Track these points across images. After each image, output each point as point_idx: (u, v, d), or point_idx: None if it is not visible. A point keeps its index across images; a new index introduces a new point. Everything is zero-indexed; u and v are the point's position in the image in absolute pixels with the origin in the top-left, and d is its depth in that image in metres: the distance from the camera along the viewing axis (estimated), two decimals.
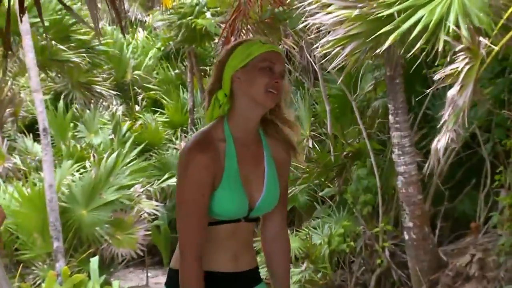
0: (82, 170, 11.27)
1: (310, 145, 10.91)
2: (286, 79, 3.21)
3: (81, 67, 12.44)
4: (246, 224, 3.18)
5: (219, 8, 11.42)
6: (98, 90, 13.14)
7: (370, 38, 7.07)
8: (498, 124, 9.26)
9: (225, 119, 3.17)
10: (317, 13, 7.87)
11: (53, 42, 11.85)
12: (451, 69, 6.61)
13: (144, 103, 14.92)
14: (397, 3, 6.88)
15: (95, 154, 11.49)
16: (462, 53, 6.51)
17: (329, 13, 7.48)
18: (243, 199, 3.11)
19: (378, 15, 6.91)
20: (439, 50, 6.76)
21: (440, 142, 7.17)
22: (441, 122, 6.96)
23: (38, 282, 10.15)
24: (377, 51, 7.16)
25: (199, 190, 3.04)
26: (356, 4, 7.28)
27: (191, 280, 3.02)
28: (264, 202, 3.18)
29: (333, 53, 7.76)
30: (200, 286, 3.02)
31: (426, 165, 7.40)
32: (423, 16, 6.64)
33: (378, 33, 6.88)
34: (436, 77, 6.77)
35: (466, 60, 6.45)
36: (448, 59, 7.04)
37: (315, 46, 8.34)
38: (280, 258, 3.36)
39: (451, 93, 6.92)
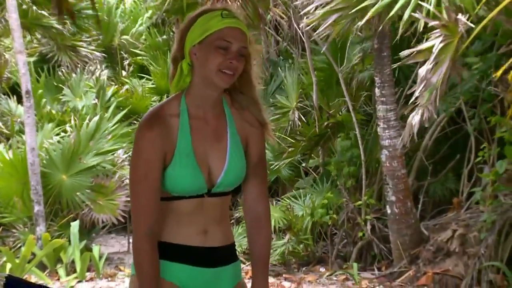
0: (63, 134, 11.13)
1: (297, 117, 10.84)
2: (253, 52, 3.13)
3: (64, 34, 12.32)
4: (212, 199, 3.11)
5: None
6: (84, 53, 12.97)
7: (355, 9, 7.05)
8: (484, 100, 9.21)
9: (183, 93, 3.12)
10: None
11: (35, 7, 11.76)
12: (426, 47, 6.66)
13: (131, 68, 14.77)
14: None
15: (76, 118, 11.33)
16: (437, 30, 6.56)
17: None
18: (198, 175, 3.05)
19: None
20: (419, 28, 6.78)
21: (414, 118, 7.20)
22: (412, 98, 7.03)
23: (18, 245, 10.06)
24: (361, 22, 7.15)
25: (148, 168, 3.02)
26: None
27: (142, 255, 3.01)
28: (226, 178, 3.11)
29: (319, 23, 7.76)
30: (151, 261, 3.01)
31: (403, 138, 7.45)
32: None
33: (362, 5, 6.86)
34: (405, 52, 6.82)
35: (441, 38, 6.49)
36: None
37: (302, 14, 8.32)
38: (257, 231, 3.28)
39: (422, 70, 6.95)
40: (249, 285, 3.29)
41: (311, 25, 8.13)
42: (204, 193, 3.09)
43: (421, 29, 6.89)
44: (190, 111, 3.10)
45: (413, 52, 6.85)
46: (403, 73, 10.17)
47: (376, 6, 6.84)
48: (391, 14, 6.82)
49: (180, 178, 3.04)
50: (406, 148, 9.29)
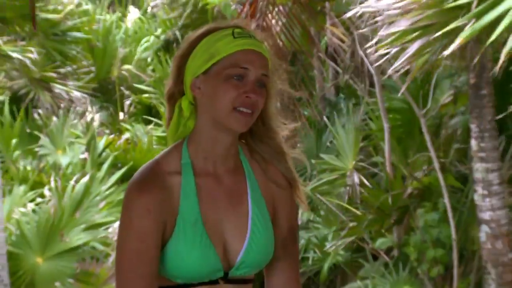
0: (39, 200, 11.19)
1: (356, 181, 10.86)
2: (275, 81, 3.13)
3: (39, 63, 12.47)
4: (231, 286, 3.10)
5: None
6: (58, 91, 13.07)
7: (444, 30, 7.04)
8: None
9: (185, 142, 3.12)
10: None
11: None
12: None
13: (133, 109, 14.91)
14: None
15: (57, 179, 11.39)
16: None
17: None
18: (209, 252, 3.02)
19: (457, 2, 6.94)
20: None
21: None
22: None
23: None
24: (451, 48, 7.10)
25: (141, 245, 2.98)
26: None
27: None
28: (249, 256, 3.08)
29: (394, 51, 7.74)
30: None
31: None
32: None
33: (454, 24, 6.83)
34: None
35: None
36: None
37: (370, 40, 8.33)
38: None
39: None
40: None
41: (382, 54, 8.13)
42: (219, 277, 3.06)
43: None
44: (196, 165, 3.09)
45: None
46: (510, 118, 10.13)
47: (474, 26, 6.80)
48: (493, 37, 6.77)
49: (186, 256, 3.01)
50: None
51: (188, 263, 3.01)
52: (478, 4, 6.83)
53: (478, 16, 6.81)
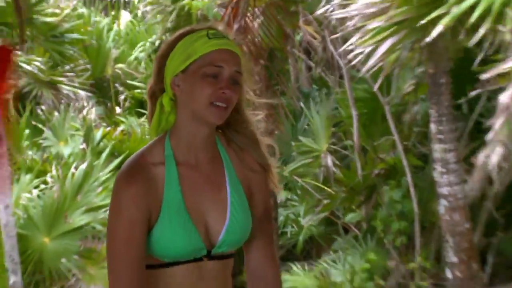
0: (43, 187, 11.24)
1: (329, 163, 10.94)
2: (247, 76, 3.15)
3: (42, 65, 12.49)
4: (213, 264, 3.13)
5: None
6: (66, 92, 13.14)
7: (416, 25, 7.12)
8: None
9: (167, 135, 3.14)
10: None
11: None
12: (505, 68, 6.65)
13: (127, 104, 14.91)
14: None
15: (59, 167, 11.44)
16: None
17: None
18: (193, 234, 3.05)
19: None
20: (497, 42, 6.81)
21: (492, 159, 7.21)
22: (490, 133, 7.01)
23: None
24: (433, 34, 7.10)
25: (130, 231, 3.02)
26: None
27: None
28: (230, 234, 3.11)
29: (367, 50, 7.82)
30: None
31: (470, 184, 7.41)
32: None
33: (429, 17, 6.93)
34: (484, 76, 6.81)
35: None
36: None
37: (341, 37, 8.32)
38: None
39: (504, 98, 6.93)
40: None
41: (355, 54, 8.13)
42: (203, 255, 3.10)
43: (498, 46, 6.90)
44: (177, 156, 3.10)
45: (493, 76, 6.87)
46: (466, 104, 10.21)
47: (447, 17, 6.84)
48: (469, 23, 6.85)
49: (171, 239, 3.04)
50: (470, 197, 9.32)
51: (173, 245, 3.03)
52: None
53: (456, 4, 6.85)
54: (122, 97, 14.84)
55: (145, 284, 3.04)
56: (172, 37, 3.17)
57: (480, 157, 7.24)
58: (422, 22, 7.15)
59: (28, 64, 12.29)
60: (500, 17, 6.88)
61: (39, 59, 12.41)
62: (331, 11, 8.26)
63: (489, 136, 7.18)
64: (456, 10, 6.88)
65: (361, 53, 7.81)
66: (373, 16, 7.52)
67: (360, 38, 7.66)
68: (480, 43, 7.29)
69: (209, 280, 3.13)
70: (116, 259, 3.02)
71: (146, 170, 3.06)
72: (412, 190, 10.14)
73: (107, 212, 10.05)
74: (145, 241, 3.02)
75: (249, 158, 3.23)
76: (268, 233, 3.29)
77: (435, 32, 7.03)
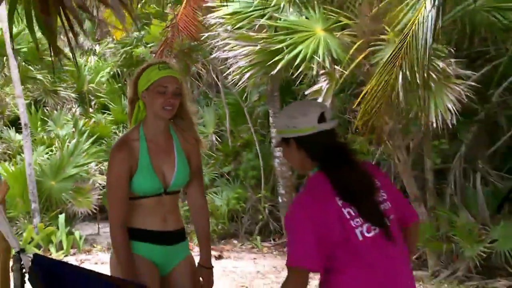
0: (51, 153, 10.94)
1: (214, 139, 10.80)
2: (186, 90, 3.08)
3: (47, 81, 12.13)
4: (169, 196, 3.07)
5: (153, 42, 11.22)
6: (63, 95, 12.78)
7: (267, 64, 7.00)
8: (340, 124, 9.35)
9: (142, 124, 3.07)
10: (222, 46, 7.84)
11: (25, 63, 11.58)
12: (317, 87, 6.76)
13: (96, 106, 14.53)
14: (285, 39, 6.91)
15: (60, 142, 11.12)
16: (324, 76, 6.67)
17: (234, 47, 7.44)
18: (155, 180, 3.00)
19: (272, 49, 6.88)
20: (313, 74, 6.84)
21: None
22: None
23: (20, 233, 9.82)
24: (271, 73, 7.07)
25: (119, 179, 2.96)
26: (255, 42, 7.23)
27: (117, 239, 2.95)
28: (176, 180, 3.06)
29: (237, 77, 7.69)
30: (124, 243, 2.95)
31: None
32: (301, 50, 6.73)
33: (274, 60, 6.82)
34: (307, 92, 6.91)
35: (327, 81, 6.61)
36: (312, 80, 7.17)
37: (226, 73, 8.10)
38: (200, 218, 3.23)
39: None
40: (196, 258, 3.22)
41: (227, 73, 8.00)
42: (162, 192, 3.03)
43: (314, 73, 6.90)
44: (147, 136, 3.04)
45: (311, 91, 6.90)
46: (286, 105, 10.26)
47: (283, 61, 6.75)
48: (296, 62, 6.76)
49: (143, 183, 2.99)
50: None
51: (144, 186, 2.99)
52: (287, 48, 6.80)
53: (288, 53, 6.79)
54: (93, 102, 14.42)
55: (128, 209, 2.98)
56: (140, 68, 3.08)
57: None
58: (269, 63, 7.08)
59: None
60: (310, 61, 6.89)
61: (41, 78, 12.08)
62: (218, 56, 8.13)
63: None
64: (287, 57, 6.89)
65: (234, 78, 7.73)
66: (241, 58, 7.46)
67: (234, 71, 7.59)
68: (298, 74, 7.30)
69: (165, 205, 3.06)
70: (112, 196, 2.99)
71: (128, 143, 3.01)
72: (259, 154, 10.10)
73: (89, 166, 9.81)
74: (128, 185, 2.96)
75: (188, 136, 3.14)
76: (200, 179, 3.22)
77: (277, 69, 7.02)
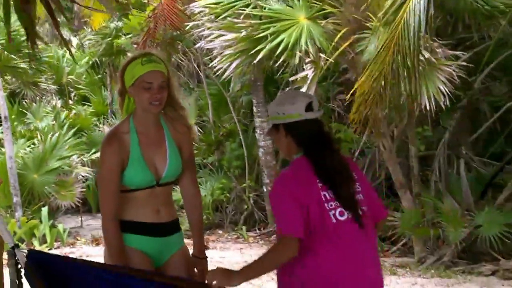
0: (32, 146, 10.82)
1: (196, 130, 10.66)
2: (172, 79, 3.03)
3: (28, 72, 11.94)
4: (161, 188, 3.04)
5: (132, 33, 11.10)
6: (43, 87, 12.61)
7: (250, 53, 7.04)
8: (325, 113, 9.42)
9: (132, 116, 3.04)
10: (206, 36, 7.81)
11: (7, 52, 11.37)
12: (303, 75, 6.78)
13: (76, 98, 14.40)
14: (268, 28, 6.92)
15: (41, 135, 11.01)
16: (309, 64, 6.69)
17: (218, 36, 7.42)
18: (147, 173, 2.98)
19: (256, 37, 6.90)
20: (296, 63, 6.87)
21: None
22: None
23: None
24: (254, 61, 7.12)
25: (110, 173, 2.95)
26: (239, 30, 7.22)
27: (109, 232, 2.95)
28: (169, 172, 3.03)
29: (224, 67, 7.68)
30: (116, 235, 2.94)
31: None
32: (283, 39, 6.74)
33: (256, 49, 6.86)
34: (292, 78, 6.92)
35: (312, 69, 6.63)
36: (295, 69, 7.18)
37: (212, 63, 8.11)
38: (193, 208, 3.20)
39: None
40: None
41: (217, 65, 7.91)
42: (154, 184, 3.00)
43: (297, 62, 6.92)
44: (137, 128, 3.01)
45: (296, 78, 6.93)
46: (270, 95, 10.27)
47: (265, 49, 6.80)
48: (279, 51, 6.77)
49: (134, 176, 2.97)
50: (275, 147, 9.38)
51: (136, 179, 2.97)
52: (271, 36, 6.83)
53: (270, 42, 6.83)
54: (73, 94, 14.30)
55: (119, 203, 2.97)
56: (125, 62, 3.05)
57: None
58: (252, 52, 7.08)
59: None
60: (293, 49, 6.91)
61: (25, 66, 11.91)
62: (202, 46, 8.08)
63: None
64: (269, 46, 6.90)
65: (220, 68, 7.71)
66: (226, 47, 7.44)
67: (219, 60, 7.57)
68: (281, 63, 7.30)
69: (158, 196, 3.04)
70: (103, 189, 2.98)
71: (119, 136, 2.98)
72: (243, 143, 10.09)
73: (71, 158, 9.71)
74: (120, 178, 2.94)
75: (179, 126, 3.11)
76: (192, 169, 3.20)
77: (258, 57, 7.02)
